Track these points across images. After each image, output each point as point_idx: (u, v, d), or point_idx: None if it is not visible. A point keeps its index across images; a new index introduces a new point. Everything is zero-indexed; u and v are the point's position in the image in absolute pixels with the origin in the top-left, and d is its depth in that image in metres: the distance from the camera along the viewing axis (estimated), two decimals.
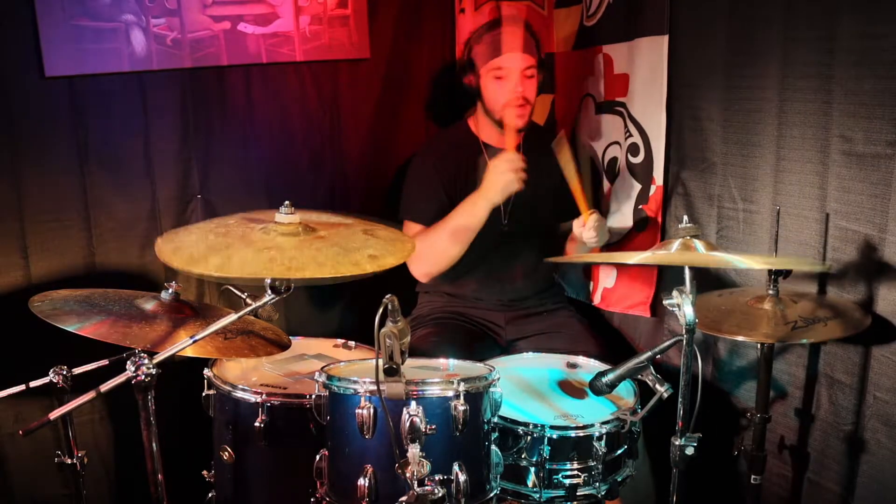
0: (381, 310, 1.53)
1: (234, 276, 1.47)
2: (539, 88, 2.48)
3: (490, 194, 2.30)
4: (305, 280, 1.51)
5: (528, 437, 1.85)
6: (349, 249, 1.59)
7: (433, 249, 2.40)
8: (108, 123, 2.32)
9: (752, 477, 2.01)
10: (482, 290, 2.57)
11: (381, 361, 1.56)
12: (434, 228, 2.41)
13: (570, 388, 2.09)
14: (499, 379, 1.79)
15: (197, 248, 1.60)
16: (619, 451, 1.91)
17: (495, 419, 1.81)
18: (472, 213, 2.34)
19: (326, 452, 1.78)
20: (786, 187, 2.05)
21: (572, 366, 2.22)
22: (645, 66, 2.45)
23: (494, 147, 2.54)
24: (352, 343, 2.30)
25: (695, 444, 1.63)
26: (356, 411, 1.66)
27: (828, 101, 1.89)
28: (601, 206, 2.75)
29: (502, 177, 2.27)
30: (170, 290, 1.85)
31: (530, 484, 1.87)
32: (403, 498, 1.56)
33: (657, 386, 1.77)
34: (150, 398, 1.55)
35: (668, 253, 1.68)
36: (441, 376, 1.86)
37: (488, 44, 2.43)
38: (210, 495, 2.08)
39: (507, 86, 2.40)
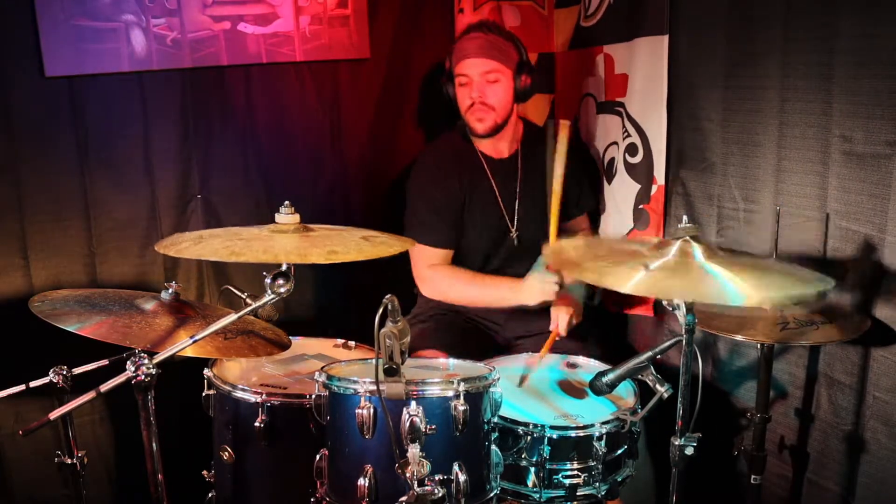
0: (381, 310, 1.53)
1: (187, 258, 1.75)
2: (523, 92, 2.46)
3: (524, 299, 2.36)
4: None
5: (528, 437, 1.85)
6: (316, 245, 1.61)
7: (450, 294, 2.51)
8: (108, 123, 2.32)
9: (752, 477, 2.01)
10: None
11: (381, 361, 1.56)
12: (463, 281, 2.47)
13: (570, 388, 2.09)
14: (499, 379, 1.78)
15: (186, 240, 1.68)
16: (619, 451, 1.91)
17: (495, 419, 1.81)
18: (500, 300, 2.43)
19: (326, 452, 1.78)
20: (786, 187, 2.05)
21: (572, 366, 2.22)
22: (645, 66, 2.45)
23: (493, 157, 2.55)
24: (352, 343, 2.29)
25: (695, 444, 1.63)
26: (356, 411, 1.66)
27: (828, 101, 1.89)
28: (599, 206, 2.76)
29: (542, 291, 2.33)
30: (170, 290, 1.85)
31: (530, 484, 1.87)
32: (403, 498, 1.56)
33: (657, 386, 1.77)
34: (150, 398, 1.55)
35: (664, 283, 1.58)
36: (441, 376, 1.86)
37: (454, 52, 2.46)
38: (210, 495, 2.08)
39: (466, 91, 2.43)
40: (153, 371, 1.52)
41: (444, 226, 2.48)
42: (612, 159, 2.67)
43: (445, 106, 2.59)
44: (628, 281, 1.53)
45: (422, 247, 2.47)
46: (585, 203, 2.70)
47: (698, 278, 1.54)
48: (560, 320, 2.36)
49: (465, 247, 2.53)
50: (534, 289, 2.34)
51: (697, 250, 1.62)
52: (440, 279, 2.49)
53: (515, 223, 2.53)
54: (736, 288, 1.49)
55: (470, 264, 2.53)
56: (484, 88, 2.40)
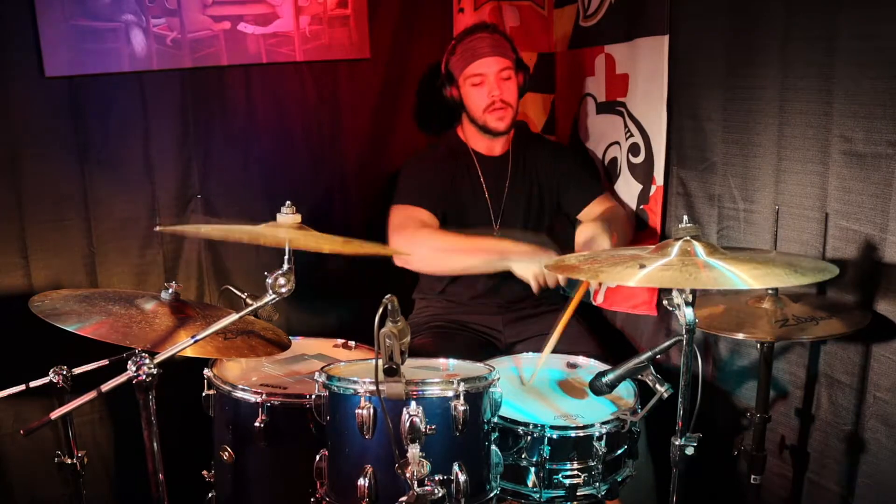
0: (381, 310, 1.53)
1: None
2: (522, 89, 2.50)
3: (513, 267, 2.30)
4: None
5: (528, 437, 1.85)
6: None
7: (430, 252, 2.38)
8: (108, 123, 2.32)
9: (752, 477, 2.01)
10: (479, 297, 2.58)
11: (380, 361, 1.56)
12: (444, 235, 2.38)
13: (570, 388, 2.09)
14: (499, 379, 1.79)
15: None
16: (620, 451, 1.91)
17: (495, 419, 1.81)
18: (484, 263, 2.34)
19: (326, 452, 1.78)
20: (786, 187, 2.05)
21: (572, 366, 2.22)
22: (645, 66, 2.45)
23: (484, 155, 2.56)
24: (352, 343, 2.30)
25: (695, 444, 1.63)
26: (356, 411, 1.66)
27: (828, 101, 1.89)
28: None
29: (530, 270, 2.27)
30: (170, 290, 1.85)
31: (530, 484, 1.87)
32: (403, 498, 1.56)
33: (657, 386, 1.77)
34: (151, 398, 1.55)
35: (669, 274, 1.59)
36: (441, 376, 1.86)
37: (461, 53, 2.46)
38: (210, 495, 2.08)
39: (484, 91, 2.43)
40: (155, 371, 1.52)
41: (430, 192, 2.45)
42: (614, 159, 2.67)
43: (445, 105, 2.59)
44: (633, 279, 1.55)
45: (405, 207, 2.45)
46: (591, 191, 2.62)
47: (702, 270, 1.57)
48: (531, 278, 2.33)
49: None
50: (528, 266, 2.28)
51: (699, 248, 1.62)
52: (423, 237, 2.38)
53: (500, 222, 2.54)
54: (740, 276, 1.53)
55: None
56: (501, 86, 2.43)
